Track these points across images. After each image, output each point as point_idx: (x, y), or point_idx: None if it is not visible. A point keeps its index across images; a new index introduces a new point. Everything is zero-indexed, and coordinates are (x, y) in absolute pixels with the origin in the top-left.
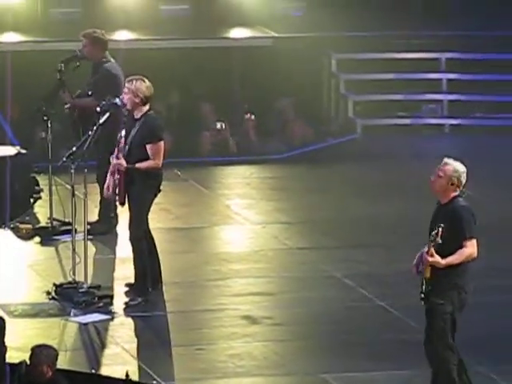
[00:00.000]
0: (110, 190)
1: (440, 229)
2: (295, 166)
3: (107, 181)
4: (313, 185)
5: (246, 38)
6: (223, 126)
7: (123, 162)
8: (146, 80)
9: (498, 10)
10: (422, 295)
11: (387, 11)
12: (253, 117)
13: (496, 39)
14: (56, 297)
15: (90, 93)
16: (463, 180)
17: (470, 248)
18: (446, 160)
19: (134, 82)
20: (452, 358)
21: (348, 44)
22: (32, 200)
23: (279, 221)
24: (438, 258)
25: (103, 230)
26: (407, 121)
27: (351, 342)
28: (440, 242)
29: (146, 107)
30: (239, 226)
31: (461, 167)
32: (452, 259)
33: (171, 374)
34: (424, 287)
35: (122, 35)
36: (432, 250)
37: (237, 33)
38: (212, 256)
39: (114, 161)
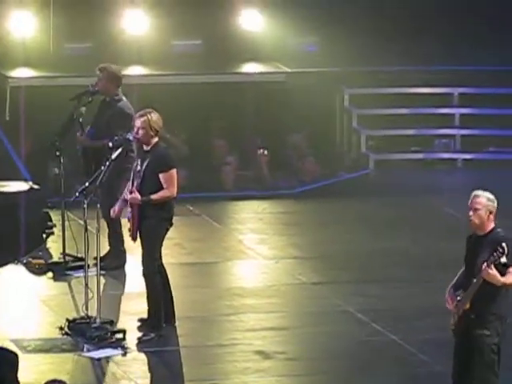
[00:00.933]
0: (116, 211)
1: (505, 248)
2: (308, 201)
3: (117, 204)
4: (325, 220)
5: (259, 74)
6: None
7: (138, 195)
8: (156, 112)
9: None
10: (454, 327)
11: (400, 45)
12: (266, 152)
13: (509, 73)
14: (69, 332)
15: (110, 145)
16: (496, 207)
17: None
18: (475, 193)
19: (149, 115)
20: None
21: (361, 79)
22: (45, 235)
23: (292, 256)
24: (496, 273)
25: (115, 265)
26: (420, 155)
27: (365, 376)
28: (505, 260)
29: (156, 139)
30: (252, 261)
31: (491, 196)
32: (506, 279)
33: None
34: (462, 319)
35: (134, 70)
36: (492, 266)
37: (249, 68)
38: (225, 291)
39: (127, 196)
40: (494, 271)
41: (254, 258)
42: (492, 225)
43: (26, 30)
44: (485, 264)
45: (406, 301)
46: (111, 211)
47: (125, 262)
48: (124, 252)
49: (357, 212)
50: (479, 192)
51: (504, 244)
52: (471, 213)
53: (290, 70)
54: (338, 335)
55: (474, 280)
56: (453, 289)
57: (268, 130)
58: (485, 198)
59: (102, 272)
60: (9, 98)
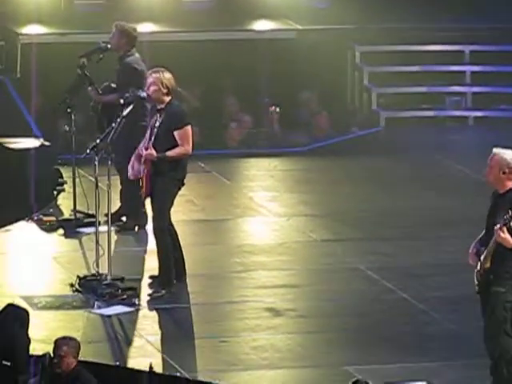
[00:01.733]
0: (135, 170)
1: None
2: (319, 159)
3: (131, 162)
4: (336, 177)
5: (270, 31)
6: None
7: (153, 151)
8: (168, 71)
9: None
10: (478, 286)
11: (411, 3)
12: (277, 109)
13: None
14: (80, 289)
15: (113, 85)
16: None
17: None
18: (494, 150)
19: (160, 72)
20: None
21: (372, 36)
22: (55, 192)
23: (303, 213)
24: (509, 236)
25: (135, 226)
26: (431, 113)
27: (375, 334)
28: None
29: (169, 97)
30: (263, 219)
31: (509, 154)
32: None
33: (195, 366)
34: (483, 278)
35: (146, 27)
36: (504, 228)
37: (260, 25)
38: (235, 248)
39: (143, 152)
40: (505, 234)
41: (264, 216)
42: (509, 184)
43: None
44: (497, 226)
45: (416, 258)
46: (129, 174)
47: (146, 222)
48: (145, 212)
49: (368, 169)
50: (497, 150)
51: None
52: (486, 171)
53: (300, 28)
54: (348, 293)
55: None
56: (478, 244)
57: (279, 88)
58: (499, 157)
59: (114, 229)
60: (20, 54)
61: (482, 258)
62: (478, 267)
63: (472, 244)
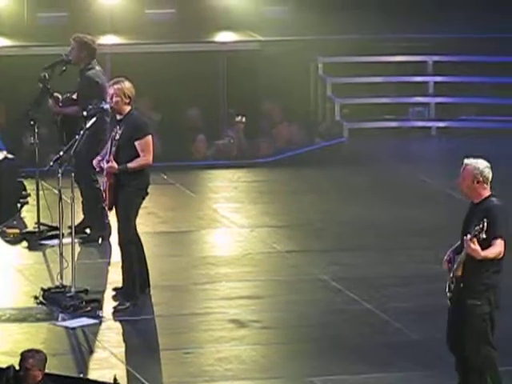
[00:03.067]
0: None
1: (485, 224)
2: (282, 170)
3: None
4: (300, 188)
5: (233, 42)
6: (231, 140)
7: (114, 164)
8: (128, 81)
9: (486, 13)
10: (449, 294)
11: (374, 14)
12: (243, 119)
13: (483, 41)
14: (44, 301)
15: (74, 97)
16: (488, 175)
17: (499, 247)
18: (465, 161)
19: (121, 83)
20: (495, 354)
21: (335, 47)
22: (19, 205)
23: (267, 224)
24: (478, 248)
25: (98, 237)
26: (394, 124)
27: (339, 345)
28: (484, 236)
29: (129, 107)
30: (227, 230)
31: (481, 163)
32: (487, 253)
33: (159, 377)
34: (453, 286)
35: (109, 39)
36: (475, 239)
37: (223, 37)
38: (199, 260)
39: (104, 165)
40: (475, 246)
41: (228, 227)
42: (486, 193)
43: None
44: (467, 237)
45: (380, 269)
46: (94, 162)
47: (110, 234)
48: (109, 223)
49: (331, 180)
50: (469, 160)
51: (485, 219)
52: (460, 180)
53: (263, 39)
54: (313, 303)
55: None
56: (453, 252)
57: (242, 99)
58: (471, 167)
59: (79, 241)
60: None
61: (454, 266)
62: (451, 275)
63: (448, 251)
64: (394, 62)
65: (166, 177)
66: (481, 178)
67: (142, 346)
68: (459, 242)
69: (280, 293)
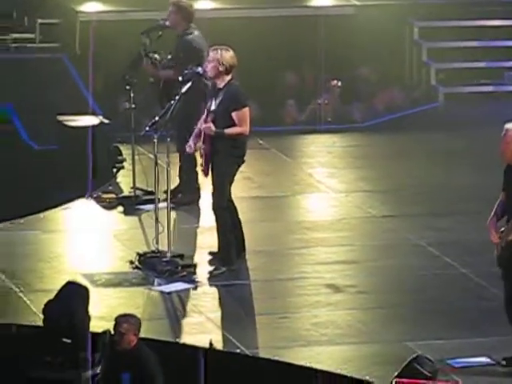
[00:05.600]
0: (192, 146)
1: None
2: (377, 135)
3: (191, 139)
4: (395, 153)
5: (329, 7)
6: (325, 101)
7: (212, 125)
8: (230, 50)
9: None
10: (499, 261)
11: None
12: (339, 83)
13: None
14: (139, 266)
15: (169, 57)
16: None
17: None
18: (506, 126)
19: (219, 50)
20: None
21: (430, 11)
22: (115, 170)
23: (362, 189)
24: None
25: (190, 200)
26: (490, 88)
27: (435, 310)
28: None
29: (229, 77)
30: (322, 195)
31: None
32: None
33: (255, 342)
34: (505, 250)
35: (205, 4)
36: None
37: (319, 1)
38: (295, 224)
39: (202, 125)
40: None
41: (323, 192)
42: None
43: None
44: None
45: (476, 234)
46: (187, 147)
47: (199, 197)
48: (198, 188)
49: (426, 145)
50: (510, 126)
51: None
52: (501, 147)
53: (359, 3)
54: (408, 268)
55: None
56: (494, 219)
57: (338, 64)
58: None
59: (173, 206)
60: (79, 32)
61: (502, 229)
62: (499, 240)
63: (488, 220)
64: (489, 26)
65: (261, 141)
66: None
67: (237, 311)
68: (496, 207)
69: (375, 258)
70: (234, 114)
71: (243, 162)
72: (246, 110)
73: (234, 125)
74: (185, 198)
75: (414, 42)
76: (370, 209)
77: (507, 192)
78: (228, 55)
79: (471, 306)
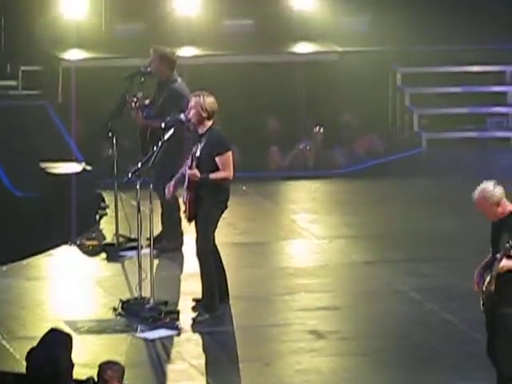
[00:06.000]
0: (171, 189)
1: None
2: (361, 180)
3: (171, 184)
4: (378, 199)
5: (312, 53)
6: (307, 147)
7: (197, 171)
8: (211, 95)
9: None
10: (484, 309)
11: (452, 24)
12: (321, 129)
13: None
14: (122, 313)
15: (147, 102)
16: (500, 192)
17: None
18: (474, 197)
19: (200, 96)
20: None
21: (413, 57)
22: (98, 216)
23: (345, 235)
24: (509, 263)
25: (173, 247)
26: (473, 134)
27: (418, 356)
28: None
29: (211, 122)
30: (305, 241)
31: (487, 187)
32: None
33: None
34: (488, 300)
35: (187, 51)
36: (504, 258)
37: (302, 48)
38: (278, 270)
39: (185, 170)
40: (505, 262)
41: (306, 238)
42: (508, 207)
43: (78, 12)
44: (498, 256)
45: (458, 280)
46: (166, 190)
47: (182, 243)
48: (181, 233)
49: (409, 191)
50: (476, 195)
51: None
52: (483, 212)
53: (342, 50)
54: (391, 314)
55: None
56: (482, 269)
57: (321, 109)
58: (482, 197)
59: (156, 252)
60: (61, 79)
61: (486, 281)
62: (484, 289)
63: (477, 269)
64: (473, 72)
65: (244, 187)
66: (496, 199)
67: (221, 358)
68: (488, 258)
69: (358, 304)
70: (217, 159)
71: (226, 207)
72: (229, 154)
73: (217, 170)
74: (169, 244)
75: (396, 88)
76: (352, 255)
77: (491, 243)
78: (210, 100)
79: (454, 352)
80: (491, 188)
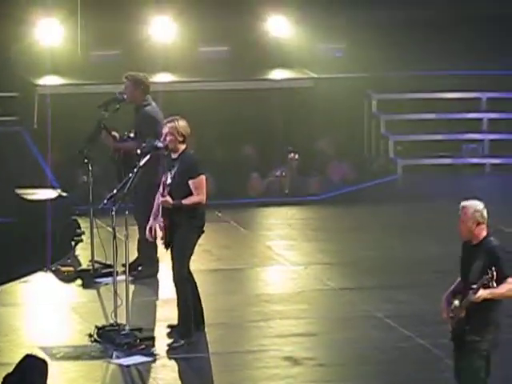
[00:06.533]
0: (153, 232)
1: (494, 273)
2: (335, 207)
3: (149, 223)
4: (354, 225)
5: (287, 80)
6: (283, 174)
7: (169, 198)
8: (183, 119)
9: None
10: (452, 335)
11: (427, 50)
12: (296, 156)
13: None
14: (98, 339)
15: (132, 135)
16: (485, 215)
17: (510, 285)
18: (462, 204)
19: (176, 121)
20: None
21: (388, 84)
22: (73, 242)
23: (321, 261)
24: (484, 293)
25: (149, 274)
26: (448, 160)
27: (394, 382)
28: (495, 285)
29: (184, 146)
30: (281, 267)
31: (479, 204)
32: (495, 290)
33: None
34: (457, 327)
35: (162, 77)
36: (481, 289)
37: (277, 74)
38: (254, 297)
39: (159, 199)
40: (481, 292)
41: (282, 264)
42: (484, 233)
43: (53, 38)
44: (475, 286)
45: (433, 306)
46: (147, 233)
47: (158, 270)
48: (157, 260)
49: (385, 218)
50: (466, 203)
51: (494, 268)
52: (460, 224)
53: (317, 76)
54: (367, 341)
55: (469, 289)
56: (450, 295)
57: (296, 136)
58: (471, 209)
59: (132, 279)
60: (37, 105)
61: (456, 305)
62: (452, 315)
63: (444, 295)
64: (448, 98)
65: (220, 214)
66: (481, 219)
67: None
68: (455, 284)
69: (334, 330)
70: (190, 183)
71: (203, 232)
72: (202, 177)
73: (190, 193)
74: (145, 271)
75: (372, 115)
76: (328, 281)
77: (461, 269)
78: (183, 124)
79: (429, 378)
80: (481, 207)
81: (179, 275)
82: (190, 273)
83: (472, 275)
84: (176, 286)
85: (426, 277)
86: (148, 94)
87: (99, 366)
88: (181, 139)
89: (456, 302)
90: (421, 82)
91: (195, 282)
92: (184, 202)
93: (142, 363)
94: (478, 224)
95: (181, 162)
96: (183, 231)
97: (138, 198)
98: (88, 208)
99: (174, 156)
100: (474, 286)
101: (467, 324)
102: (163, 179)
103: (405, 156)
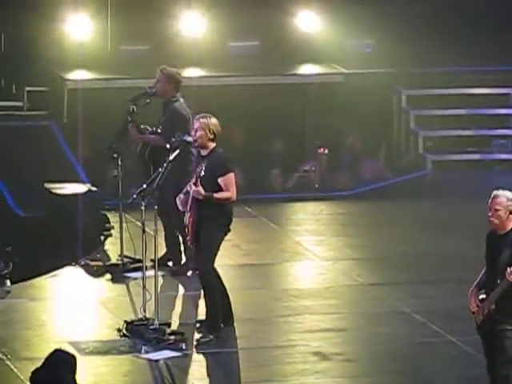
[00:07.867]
0: (183, 200)
1: None
2: (365, 202)
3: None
4: (382, 221)
5: (317, 75)
6: (312, 168)
7: (201, 189)
8: (214, 117)
9: None
10: (481, 328)
11: (457, 46)
12: (326, 151)
13: None
14: (127, 334)
15: (158, 130)
16: None
17: None
18: (495, 193)
19: (208, 118)
20: None
21: (418, 79)
22: (103, 237)
23: (349, 257)
24: None
25: (183, 271)
26: (477, 156)
27: (422, 377)
28: None
29: (214, 144)
30: (309, 263)
31: (511, 194)
32: None
33: None
34: (486, 319)
35: (191, 72)
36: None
37: (307, 69)
38: (282, 292)
39: (191, 189)
40: None
41: (311, 259)
42: (511, 224)
43: (83, 33)
44: (509, 270)
45: (462, 302)
46: (178, 202)
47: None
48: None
49: (414, 213)
50: (499, 192)
51: None
52: (491, 213)
53: (347, 71)
54: (395, 336)
55: (498, 280)
56: (476, 289)
57: (326, 131)
58: (504, 198)
59: (161, 274)
60: (66, 100)
61: (482, 297)
62: (479, 308)
63: (470, 289)
64: (477, 94)
65: (249, 209)
66: None
67: (224, 379)
68: (480, 277)
69: (363, 325)
70: (220, 180)
71: (229, 230)
72: (232, 175)
73: (220, 191)
74: (180, 267)
75: (401, 110)
76: (357, 276)
77: (487, 260)
78: (215, 122)
79: (458, 374)
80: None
81: (206, 271)
82: (214, 269)
83: (500, 265)
84: (203, 281)
85: (455, 272)
86: (178, 91)
87: (128, 360)
88: (211, 136)
89: (483, 296)
90: (450, 78)
91: (220, 277)
92: (215, 195)
93: (170, 358)
94: (511, 213)
95: (210, 159)
96: (210, 228)
97: (164, 193)
98: (117, 203)
99: (203, 153)
100: (509, 271)
101: (498, 315)
102: (197, 171)
103: (434, 151)
